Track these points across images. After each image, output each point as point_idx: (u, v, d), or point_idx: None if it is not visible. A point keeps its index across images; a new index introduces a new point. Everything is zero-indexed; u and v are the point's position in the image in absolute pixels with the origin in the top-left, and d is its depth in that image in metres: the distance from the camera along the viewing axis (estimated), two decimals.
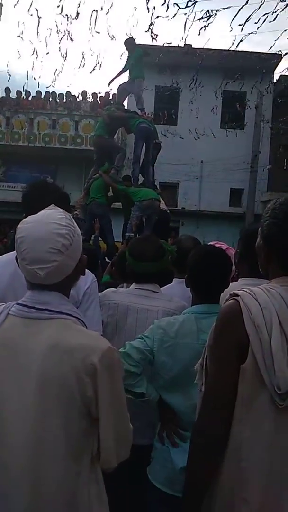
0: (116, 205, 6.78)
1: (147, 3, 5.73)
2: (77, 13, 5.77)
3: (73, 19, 5.73)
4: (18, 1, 5.38)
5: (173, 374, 1.67)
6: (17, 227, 1.18)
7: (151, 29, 5.58)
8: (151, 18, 5.93)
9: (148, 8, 5.74)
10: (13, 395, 1.09)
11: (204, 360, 1.31)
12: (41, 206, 1.66)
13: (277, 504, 1.12)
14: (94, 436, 1.12)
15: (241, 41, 10.94)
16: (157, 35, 6.34)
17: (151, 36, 5.62)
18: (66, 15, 5.81)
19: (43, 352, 1.08)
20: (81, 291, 1.73)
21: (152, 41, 6.13)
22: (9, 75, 8.57)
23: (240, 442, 1.15)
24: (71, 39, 6.00)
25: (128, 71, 6.86)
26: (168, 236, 6.72)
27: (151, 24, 5.64)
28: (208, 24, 5.26)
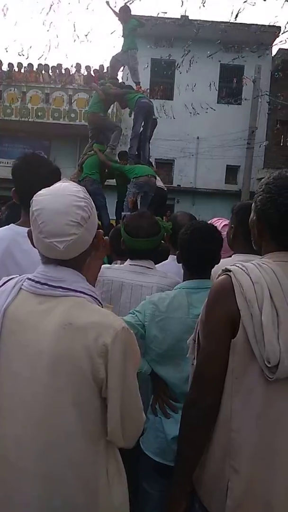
0: (110, 182, 6.70)
1: None
2: None
3: None
4: None
5: (164, 347, 1.70)
6: (32, 200, 1.13)
7: None
8: None
9: None
10: (24, 372, 1.07)
11: (196, 335, 1.33)
12: (33, 180, 1.64)
13: (266, 474, 1.15)
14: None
15: (238, 12, 10.62)
16: (165, 12, 6.12)
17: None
18: None
19: (55, 331, 1.05)
20: None
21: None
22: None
23: (231, 414, 1.17)
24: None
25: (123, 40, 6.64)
26: (164, 213, 6.69)
27: None
28: None
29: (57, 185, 1.16)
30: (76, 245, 1.10)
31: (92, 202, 1.17)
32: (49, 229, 1.07)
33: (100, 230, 1.23)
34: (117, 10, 6.57)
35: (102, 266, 2.13)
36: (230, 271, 1.20)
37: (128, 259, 2.08)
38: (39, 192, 1.15)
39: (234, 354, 1.16)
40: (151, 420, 1.79)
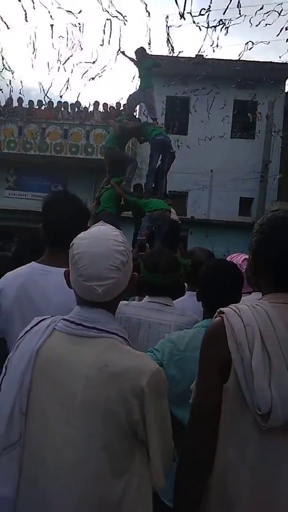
0: (127, 213, 6.81)
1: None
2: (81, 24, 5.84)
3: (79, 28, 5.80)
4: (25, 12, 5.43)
5: (182, 388, 1.65)
6: (73, 242, 1.16)
7: (170, 41, 5.61)
8: (167, 29, 5.95)
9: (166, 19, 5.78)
10: (55, 414, 1.06)
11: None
12: (62, 217, 1.67)
13: None
14: (140, 456, 1.10)
15: (250, 48, 10.98)
16: (173, 47, 6.41)
17: (170, 47, 5.65)
18: (78, 24, 5.89)
19: (89, 373, 1.05)
20: None
21: (171, 53, 6.16)
22: (22, 85, 8.70)
23: (226, 466, 1.11)
24: (81, 48, 6.07)
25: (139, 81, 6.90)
26: (177, 245, 6.71)
27: (168, 37, 5.66)
28: (227, 29, 5.27)
29: (97, 228, 1.20)
30: (113, 288, 1.12)
31: (129, 246, 1.20)
32: (89, 273, 1.10)
33: (135, 273, 1.25)
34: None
35: (120, 302, 2.14)
36: (223, 312, 1.17)
37: (146, 296, 2.07)
38: (80, 235, 1.18)
39: (226, 400, 1.10)
40: None
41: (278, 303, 1.16)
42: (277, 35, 5.48)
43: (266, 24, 5.38)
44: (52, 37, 5.88)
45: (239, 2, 4.79)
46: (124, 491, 1.06)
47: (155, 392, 1.05)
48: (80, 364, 1.06)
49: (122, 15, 5.67)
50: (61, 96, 12.00)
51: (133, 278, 1.22)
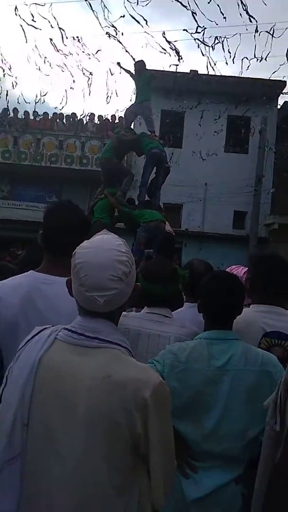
0: (121, 225, 6.80)
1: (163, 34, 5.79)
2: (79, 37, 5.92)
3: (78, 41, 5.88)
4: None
5: (183, 400, 1.64)
6: (75, 252, 1.15)
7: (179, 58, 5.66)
8: (174, 50, 5.99)
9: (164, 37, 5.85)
10: (58, 424, 1.04)
11: (279, 398, 1.22)
12: (62, 227, 1.65)
13: None
14: (141, 472, 1.08)
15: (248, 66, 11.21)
16: (177, 65, 6.49)
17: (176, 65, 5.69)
18: (77, 37, 5.96)
19: (92, 383, 1.03)
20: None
21: (175, 69, 6.19)
22: (19, 96, 8.77)
23: None
24: (90, 57, 6.11)
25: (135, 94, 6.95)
26: (171, 257, 6.71)
27: (179, 56, 5.71)
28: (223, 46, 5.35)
29: (100, 237, 1.18)
30: (116, 299, 1.11)
31: (132, 256, 1.18)
32: (91, 283, 1.08)
33: (138, 284, 1.23)
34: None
35: None
36: None
37: (145, 307, 2.06)
38: (82, 244, 1.17)
39: None
40: None
41: None
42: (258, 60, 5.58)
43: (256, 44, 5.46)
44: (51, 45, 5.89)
45: (243, 11, 4.83)
46: (125, 508, 1.04)
47: (158, 406, 1.04)
48: (82, 375, 1.05)
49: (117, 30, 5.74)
50: (61, 108, 12.10)
51: (136, 288, 1.20)
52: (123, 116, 7.71)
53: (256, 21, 4.93)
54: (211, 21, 5.11)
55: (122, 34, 5.77)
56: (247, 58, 5.74)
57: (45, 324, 1.24)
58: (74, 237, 1.43)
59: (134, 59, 6.64)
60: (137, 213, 6.05)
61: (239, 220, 15.68)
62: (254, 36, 5.28)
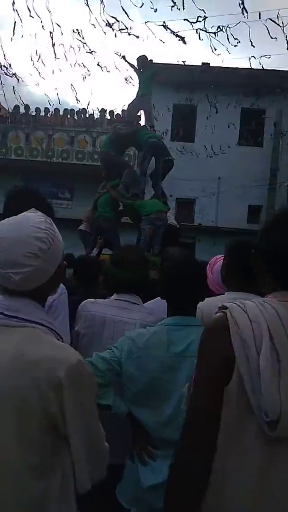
0: (127, 219, 6.80)
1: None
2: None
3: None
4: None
5: (140, 386, 1.60)
6: None
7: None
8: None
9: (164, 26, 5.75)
10: None
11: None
12: (17, 211, 1.65)
13: None
14: (64, 454, 1.05)
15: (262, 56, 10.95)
16: (184, 61, 6.41)
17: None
18: (77, 30, 5.94)
19: (5, 361, 1.02)
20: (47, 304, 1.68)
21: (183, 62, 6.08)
22: (46, 97, 8.82)
23: (224, 478, 1.00)
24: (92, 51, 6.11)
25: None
26: None
27: (184, 42, 5.60)
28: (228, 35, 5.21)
29: (21, 215, 1.16)
30: (33, 276, 1.08)
31: (55, 234, 1.15)
32: (5, 259, 1.06)
33: (64, 261, 1.20)
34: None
35: (87, 300, 2.09)
36: (226, 308, 1.06)
37: (114, 294, 2.03)
38: (3, 221, 1.14)
39: (227, 405, 0.98)
40: (128, 467, 1.67)
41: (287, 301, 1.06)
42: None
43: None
44: (53, 45, 5.87)
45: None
46: (45, 491, 1.02)
47: (76, 385, 1.01)
48: (0, 354, 1.03)
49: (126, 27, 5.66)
50: (78, 103, 12.12)
51: (61, 267, 1.17)
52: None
53: (247, 12, 4.79)
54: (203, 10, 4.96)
55: (127, 28, 5.62)
56: (254, 56, 5.57)
57: None
58: None
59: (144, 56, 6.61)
60: (138, 203, 6.05)
61: (254, 214, 15.42)
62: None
